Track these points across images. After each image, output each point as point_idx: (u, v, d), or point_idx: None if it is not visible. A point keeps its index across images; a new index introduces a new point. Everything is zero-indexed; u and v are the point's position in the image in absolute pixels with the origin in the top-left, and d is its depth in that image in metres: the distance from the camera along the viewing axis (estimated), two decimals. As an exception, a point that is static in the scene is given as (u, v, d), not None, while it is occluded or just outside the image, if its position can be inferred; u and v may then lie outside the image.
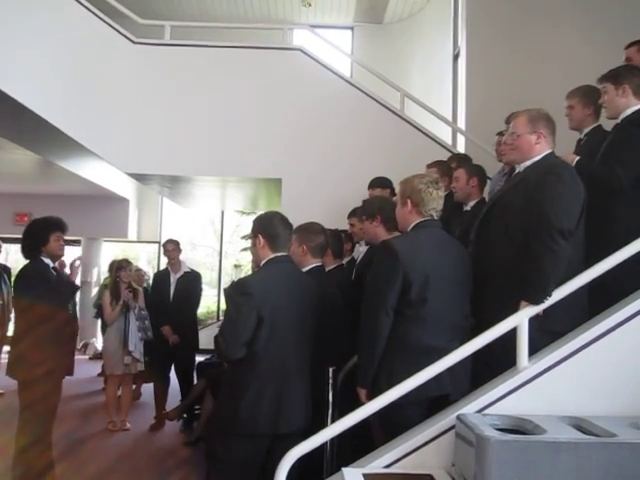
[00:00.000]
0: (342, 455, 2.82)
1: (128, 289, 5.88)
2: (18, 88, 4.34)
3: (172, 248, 6.20)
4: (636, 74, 3.07)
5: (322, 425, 2.70)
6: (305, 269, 3.29)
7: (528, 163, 2.77)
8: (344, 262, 4.17)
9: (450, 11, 7.94)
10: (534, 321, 2.47)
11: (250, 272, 5.49)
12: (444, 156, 4.83)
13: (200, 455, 4.88)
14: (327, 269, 3.70)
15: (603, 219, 2.85)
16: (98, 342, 9.73)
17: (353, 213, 4.22)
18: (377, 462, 2.36)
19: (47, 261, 3.98)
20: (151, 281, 7.11)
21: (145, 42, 6.07)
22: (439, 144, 5.87)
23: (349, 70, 8.83)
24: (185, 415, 5.99)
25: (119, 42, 5.94)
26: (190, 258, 11.44)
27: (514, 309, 2.47)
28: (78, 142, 5.45)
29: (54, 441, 4.04)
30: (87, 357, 9.86)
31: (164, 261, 6.87)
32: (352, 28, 10.36)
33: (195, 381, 6.08)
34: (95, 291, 9.88)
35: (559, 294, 2.47)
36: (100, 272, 10.77)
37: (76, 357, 4.46)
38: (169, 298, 6.09)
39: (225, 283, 11.01)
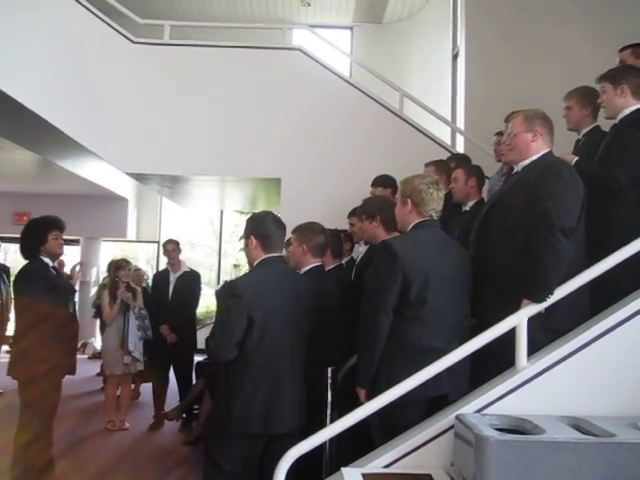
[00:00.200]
0: (341, 455, 2.82)
1: (126, 289, 5.88)
2: (18, 88, 4.33)
3: (172, 248, 6.20)
4: (634, 74, 3.08)
5: (321, 425, 2.70)
6: (305, 269, 3.30)
7: (526, 162, 2.78)
8: (343, 262, 4.18)
9: (449, 11, 7.94)
10: (536, 319, 2.47)
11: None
12: (443, 156, 4.83)
13: (199, 455, 4.85)
14: (326, 269, 3.71)
15: (603, 219, 2.86)
16: (97, 342, 9.73)
17: (353, 213, 4.22)
18: (376, 462, 2.36)
19: (47, 260, 3.98)
20: (150, 281, 7.11)
21: (145, 42, 6.07)
22: (438, 144, 5.88)
23: (348, 70, 8.82)
24: (184, 415, 5.99)
25: (119, 42, 5.94)
26: (189, 258, 11.42)
27: (515, 309, 2.47)
28: (77, 142, 5.44)
29: (54, 440, 4.04)
30: (86, 357, 9.85)
31: (163, 261, 6.87)
32: (351, 28, 10.35)
33: (194, 381, 6.08)
34: (94, 291, 9.88)
35: (561, 292, 2.47)
36: (99, 272, 10.77)
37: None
38: (168, 297, 6.09)
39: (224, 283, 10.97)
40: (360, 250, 4.18)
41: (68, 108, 5.24)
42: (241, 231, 3.05)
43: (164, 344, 5.93)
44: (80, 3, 5.51)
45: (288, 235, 3.26)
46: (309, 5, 9.50)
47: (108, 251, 11.48)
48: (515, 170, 2.90)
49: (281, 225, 2.99)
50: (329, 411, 2.97)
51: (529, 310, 2.46)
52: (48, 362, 3.73)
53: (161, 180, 7.02)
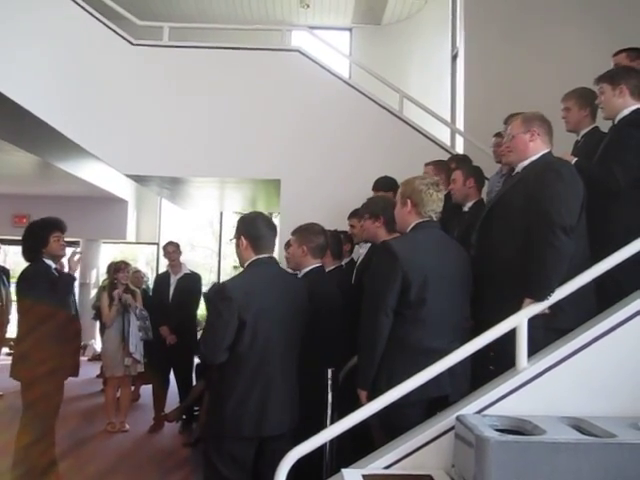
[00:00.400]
0: (342, 456, 2.82)
1: (125, 291, 5.87)
2: (17, 90, 4.33)
3: (173, 250, 6.21)
4: (633, 75, 3.08)
5: (321, 426, 2.70)
6: (305, 270, 3.30)
7: (526, 163, 2.78)
8: (343, 263, 4.18)
9: (448, 12, 7.95)
10: (539, 319, 2.47)
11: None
12: (443, 157, 4.83)
13: (199, 456, 4.85)
14: (326, 270, 3.70)
15: (602, 219, 2.86)
16: (97, 344, 9.72)
17: (353, 214, 4.22)
18: (377, 463, 2.36)
19: (49, 262, 3.99)
20: (150, 283, 7.10)
21: (144, 44, 6.06)
22: (438, 145, 5.87)
23: (348, 71, 8.82)
24: (184, 416, 5.99)
25: (118, 44, 5.94)
26: (189, 259, 11.41)
27: (516, 309, 2.47)
28: (77, 144, 5.44)
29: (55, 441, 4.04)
30: (86, 358, 9.84)
31: (163, 262, 6.87)
32: (350, 29, 10.35)
33: (194, 382, 6.07)
34: (94, 292, 9.87)
35: (563, 291, 2.47)
36: (99, 273, 10.77)
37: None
38: (168, 299, 6.09)
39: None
40: (360, 252, 4.18)
41: (68, 110, 5.24)
42: (239, 233, 3.03)
43: (164, 346, 5.93)
44: (79, 5, 5.51)
45: (286, 236, 3.26)
46: (308, 7, 9.49)
47: (108, 253, 11.49)
48: (515, 171, 2.91)
49: (272, 226, 2.98)
50: (329, 412, 2.97)
51: (529, 310, 2.46)
52: (50, 363, 3.73)
53: (161, 182, 7.02)
